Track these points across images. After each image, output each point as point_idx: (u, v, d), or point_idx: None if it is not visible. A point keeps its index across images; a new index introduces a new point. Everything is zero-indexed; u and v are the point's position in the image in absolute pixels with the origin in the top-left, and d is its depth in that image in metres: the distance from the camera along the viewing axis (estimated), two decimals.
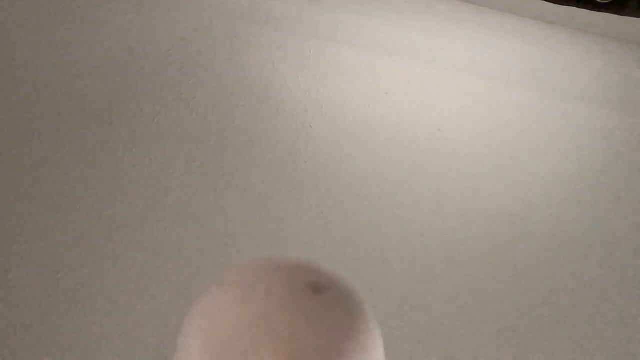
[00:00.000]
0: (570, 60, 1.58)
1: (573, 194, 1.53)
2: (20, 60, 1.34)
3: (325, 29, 1.48)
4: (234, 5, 1.45)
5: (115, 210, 1.33)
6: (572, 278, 1.50)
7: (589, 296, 1.50)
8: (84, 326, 1.29)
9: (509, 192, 1.50)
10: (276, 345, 0.48)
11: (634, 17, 1.33)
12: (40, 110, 1.33)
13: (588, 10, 1.35)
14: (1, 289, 1.27)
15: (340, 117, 1.46)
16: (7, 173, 1.30)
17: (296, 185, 1.41)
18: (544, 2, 1.37)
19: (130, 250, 1.33)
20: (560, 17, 1.54)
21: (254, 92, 1.43)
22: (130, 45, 1.39)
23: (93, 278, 1.30)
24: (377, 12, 1.51)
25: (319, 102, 1.45)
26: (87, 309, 1.30)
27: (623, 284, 1.51)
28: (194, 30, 1.42)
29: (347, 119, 1.46)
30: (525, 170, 1.52)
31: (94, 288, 1.30)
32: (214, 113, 1.41)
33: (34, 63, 1.35)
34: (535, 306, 1.47)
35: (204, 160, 1.38)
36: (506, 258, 1.48)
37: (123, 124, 1.36)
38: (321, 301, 0.52)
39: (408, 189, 1.46)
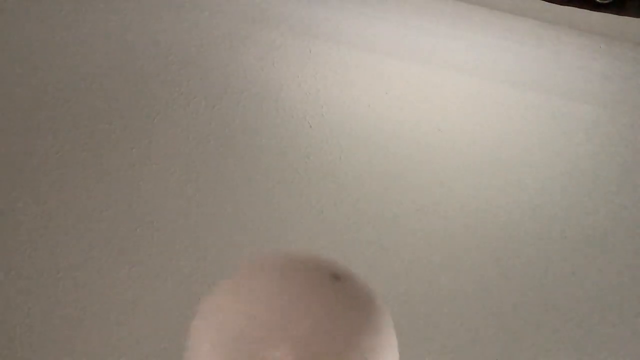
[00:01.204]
0: (570, 60, 1.58)
1: (573, 193, 1.53)
2: (20, 60, 1.34)
3: (325, 29, 1.48)
4: (234, 5, 1.45)
5: (115, 210, 1.33)
6: (572, 276, 1.50)
7: (590, 294, 1.50)
8: (84, 326, 1.29)
9: (509, 192, 1.50)
10: (291, 341, 0.46)
11: (634, 17, 1.33)
12: (40, 110, 1.33)
13: (588, 10, 1.35)
14: (1, 289, 1.27)
15: (340, 117, 1.46)
16: (6, 173, 1.30)
17: (296, 185, 1.41)
18: (544, 2, 1.37)
19: (131, 250, 1.33)
20: (560, 17, 1.53)
21: (254, 92, 1.43)
22: (130, 45, 1.39)
23: (93, 278, 1.30)
24: (377, 12, 1.51)
25: (319, 102, 1.45)
26: (88, 309, 1.30)
27: (624, 282, 1.51)
28: (194, 30, 1.42)
29: (347, 119, 1.46)
30: (526, 169, 1.52)
31: (94, 288, 1.30)
32: (214, 113, 1.41)
33: (33, 63, 1.35)
34: (536, 305, 1.47)
35: (203, 161, 1.38)
36: (507, 257, 1.48)
37: (123, 124, 1.36)
38: (340, 289, 0.50)
39: (408, 189, 1.46)
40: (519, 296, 1.47)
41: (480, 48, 1.54)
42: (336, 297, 0.50)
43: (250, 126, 1.41)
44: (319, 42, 1.47)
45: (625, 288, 1.52)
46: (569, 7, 1.35)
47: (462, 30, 1.54)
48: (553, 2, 1.35)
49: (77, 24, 1.38)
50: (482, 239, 1.47)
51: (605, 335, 1.49)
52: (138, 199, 1.34)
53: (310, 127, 1.44)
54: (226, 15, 1.44)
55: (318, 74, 1.46)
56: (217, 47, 1.43)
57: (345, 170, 1.44)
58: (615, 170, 1.56)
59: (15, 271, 1.28)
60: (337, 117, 1.45)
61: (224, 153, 1.39)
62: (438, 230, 1.46)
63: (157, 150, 1.36)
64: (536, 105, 1.55)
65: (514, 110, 1.54)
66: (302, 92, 1.45)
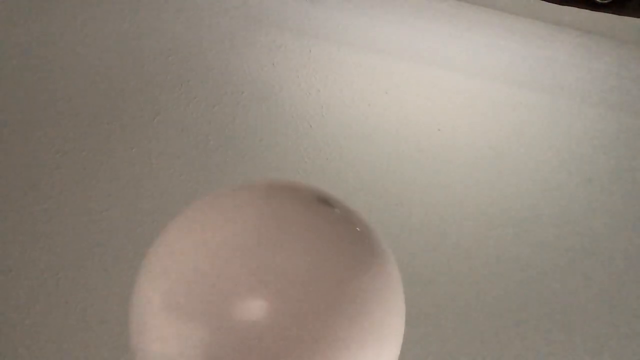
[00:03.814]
0: (570, 60, 1.58)
1: (574, 193, 1.53)
2: (19, 60, 1.34)
3: (325, 29, 1.48)
4: (234, 5, 1.45)
5: (115, 210, 1.33)
6: (572, 279, 1.50)
7: (588, 294, 1.50)
8: (84, 326, 1.29)
9: (509, 192, 1.50)
10: (270, 285, 0.32)
11: (634, 17, 1.33)
12: (40, 110, 1.33)
13: (588, 10, 1.35)
14: (1, 289, 1.27)
15: (340, 117, 1.46)
16: (6, 173, 1.30)
17: None
18: (544, 2, 1.37)
19: (131, 250, 1.33)
20: (560, 17, 1.53)
21: (254, 92, 1.43)
22: (130, 45, 1.39)
23: (93, 278, 1.30)
24: (377, 12, 1.51)
25: (319, 102, 1.45)
26: (88, 309, 1.29)
27: (624, 282, 1.51)
28: (194, 30, 1.42)
29: (347, 119, 1.46)
30: (526, 170, 1.52)
31: (94, 288, 1.30)
32: (214, 113, 1.40)
33: (33, 63, 1.35)
34: (534, 306, 1.47)
35: (203, 161, 1.38)
36: (507, 258, 1.48)
37: (123, 124, 1.36)
38: (333, 217, 0.37)
39: (408, 189, 1.46)
40: (516, 298, 1.47)
41: (480, 48, 1.54)
42: (329, 226, 0.37)
43: (250, 126, 1.41)
44: (319, 42, 1.47)
45: (625, 288, 1.51)
46: (569, 7, 1.35)
47: (462, 30, 1.54)
48: (553, 2, 1.35)
49: (76, 24, 1.38)
50: (482, 240, 1.47)
51: (607, 334, 1.49)
52: (138, 199, 1.34)
53: (310, 127, 1.44)
54: (226, 15, 1.44)
55: (318, 74, 1.46)
56: (217, 47, 1.43)
57: (345, 170, 1.44)
58: (615, 170, 1.56)
59: (15, 271, 1.28)
60: (337, 117, 1.45)
61: (224, 153, 1.39)
62: (438, 230, 1.46)
63: (157, 150, 1.36)
64: (536, 105, 1.55)
65: (513, 110, 1.54)
66: (302, 92, 1.45)
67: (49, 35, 1.36)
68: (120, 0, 1.40)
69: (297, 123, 1.43)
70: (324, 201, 0.38)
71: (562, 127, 1.55)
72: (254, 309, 0.32)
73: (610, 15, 1.35)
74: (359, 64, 1.48)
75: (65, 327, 1.28)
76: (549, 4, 1.38)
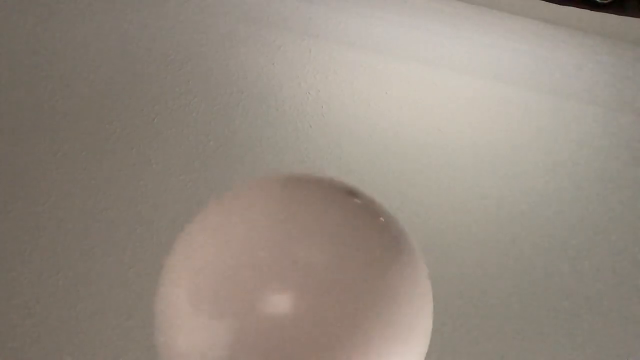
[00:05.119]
0: (570, 60, 1.58)
1: (574, 193, 1.53)
2: (19, 60, 1.34)
3: (325, 29, 1.48)
4: (234, 5, 1.45)
5: (115, 210, 1.33)
6: (572, 278, 1.50)
7: (590, 295, 1.50)
8: (84, 326, 1.29)
9: (509, 192, 1.50)
10: (295, 279, 0.32)
11: (635, 17, 1.33)
12: (40, 110, 1.33)
13: (588, 10, 1.35)
14: (1, 289, 1.27)
15: (340, 117, 1.46)
16: (6, 173, 1.30)
17: None
18: (544, 2, 1.37)
19: (131, 250, 1.33)
20: (560, 17, 1.53)
21: (254, 92, 1.43)
22: (130, 45, 1.39)
23: (93, 278, 1.30)
24: (377, 12, 1.51)
25: (319, 102, 1.45)
26: (88, 309, 1.29)
27: (626, 282, 1.51)
28: (194, 30, 1.42)
29: (347, 119, 1.46)
30: (526, 170, 1.52)
31: (94, 288, 1.30)
32: (214, 113, 1.40)
33: (32, 63, 1.35)
34: (535, 306, 1.47)
35: (203, 161, 1.38)
36: (507, 258, 1.48)
37: (123, 124, 1.36)
38: (359, 209, 0.36)
39: (408, 190, 1.46)
40: (518, 298, 1.47)
41: (480, 48, 1.54)
42: (353, 217, 0.36)
43: (250, 126, 1.41)
44: (319, 42, 1.47)
45: (626, 287, 1.51)
46: (569, 7, 1.35)
47: (462, 30, 1.54)
48: (553, 2, 1.35)
49: (76, 24, 1.38)
50: (482, 240, 1.47)
51: (614, 337, 1.49)
52: (138, 199, 1.34)
53: (310, 127, 1.44)
54: (226, 15, 1.44)
55: (318, 74, 1.46)
56: (217, 47, 1.43)
57: (345, 171, 1.44)
58: (617, 169, 1.55)
59: (15, 271, 1.28)
60: (337, 117, 1.45)
61: (224, 153, 1.39)
62: (438, 231, 1.46)
63: (157, 150, 1.36)
64: (536, 105, 1.55)
65: (514, 110, 1.54)
66: (302, 92, 1.45)
67: (49, 35, 1.36)
68: (120, 1, 1.40)
69: (297, 123, 1.43)
70: (347, 192, 0.37)
71: (562, 127, 1.55)
72: (279, 303, 0.32)
73: (610, 15, 1.35)
74: (359, 64, 1.48)
75: (66, 327, 1.28)
76: (549, 4, 1.38)
